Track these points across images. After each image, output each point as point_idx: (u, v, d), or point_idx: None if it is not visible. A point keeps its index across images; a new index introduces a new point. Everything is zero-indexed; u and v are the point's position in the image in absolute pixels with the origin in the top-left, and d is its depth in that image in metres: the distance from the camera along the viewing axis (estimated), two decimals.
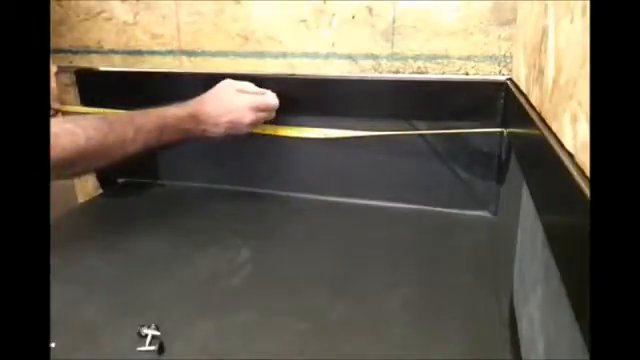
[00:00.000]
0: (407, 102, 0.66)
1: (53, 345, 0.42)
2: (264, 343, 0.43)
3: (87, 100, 0.79)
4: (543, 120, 0.33)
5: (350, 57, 0.66)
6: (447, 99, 0.64)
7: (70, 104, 0.79)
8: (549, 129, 0.30)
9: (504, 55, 0.60)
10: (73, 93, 0.79)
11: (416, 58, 0.63)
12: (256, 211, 0.72)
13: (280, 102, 0.67)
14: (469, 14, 0.60)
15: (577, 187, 0.21)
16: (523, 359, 0.38)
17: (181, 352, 0.42)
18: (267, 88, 0.67)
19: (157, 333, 0.43)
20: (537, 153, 0.32)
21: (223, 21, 0.69)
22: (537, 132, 0.32)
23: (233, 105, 0.64)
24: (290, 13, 0.66)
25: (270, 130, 0.71)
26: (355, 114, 0.68)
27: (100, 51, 0.75)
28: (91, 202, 0.78)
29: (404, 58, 0.64)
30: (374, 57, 0.65)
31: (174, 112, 0.63)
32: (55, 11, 0.74)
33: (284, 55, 0.68)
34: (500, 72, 0.61)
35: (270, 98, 0.66)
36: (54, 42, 0.76)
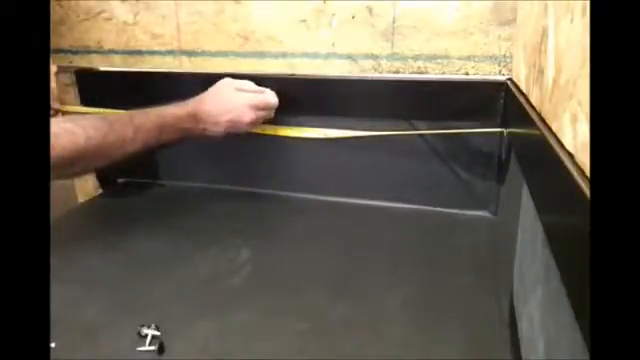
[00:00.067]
0: (407, 102, 0.66)
1: (53, 345, 0.42)
2: (264, 343, 0.43)
3: (87, 100, 0.79)
4: (543, 120, 0.33)
5: (350, 57, 0.66)
6: (447, 99, 0.64)
7: (70, 104, 0.79)
8: (549, 129, 0.30)
9: (504, 55, 0.60)
10: (73, 93, 0.79)
11: (416, 58, 0.63)
12: (256, 211, 0.72)
13: (280, 102, 0.67)
14: (469, 14, 0.60)
15: (577, 187, 0.21)
16: (523, 359, 0.38)
17: (181, 352, 0.42)
18: (267, 88, 0.67)
19: (157, 333, 0.43)
20: (537, 153, 0.32)
21: (223, 21, 0.69)
22: (537, 132, 0.32)
23: (233, 104, 0.64)
24: (290, 13, 0.66)
25: (270, 130, 0.71)
26: (355, 114, 0.68)
27: (100, 51, 0.75)
28: (91, 202, 0.78)
29: (404, 58, 0.64)
30: (374, 57, 0.65)
31: (173, 111, 0.63)
32: (55, 11, 0.74)
33: (284, 55, 0.68)
34: (500, 72, 0.61)
35: (269, 97, 0.66)
36: (54, 42, 0.76)
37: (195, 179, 0.81)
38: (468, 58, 0.61)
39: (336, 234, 0.64)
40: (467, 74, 0.62)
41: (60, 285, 0.46)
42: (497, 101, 0.62)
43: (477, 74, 0.62)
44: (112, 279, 0.54)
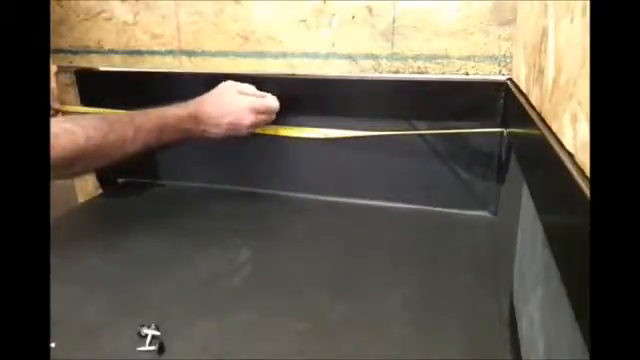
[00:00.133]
0: (407, 102, 0.66)
1: (53, 345, 0.42)
2: (264, 343, 0.43)
3: (87, 100, 0.79)
4: (543, 120, 0.33)
5: (350, 57, 0.66)
6: (447, 99, 0.64)
7: (70, 104, 0.79)
8: (549, 129, 0.30)
9: (504, 55, 0.60)
10: (73, 93, 0.79)
11: (416, 58, 0.63)
12: (256, 211, 0.72)
13: (280, 102, 0.67)
14: (469, 14, 0.60)
15: (577, 187, 0.21)
16: (523, 359, 0.38)
17: (181, 352, 0.42)
18: (267, 88, 0.67)
19: (157, 333, 0.43)
20: (537, 153, 0.32)
21: (223, 21, 0.69)
22: (537, 132, 0.32)
23: (234, 106, 0.64)
24: (290, 13, 0.66)
25: (270, 130, 0.71)
26: (355, 114, 0.68)
27: (100, 51, 0.75)
28: (91, 202, 0.78)
29: (404, 58, 0.64)
30: (374, 57, 0.65)
31: (174, 112, 0.63)
32: (55, 11, 0.74)
33: (284, 55, 0.68)
34: (500, 72, 0.61)
35: (271, 101, 0.66)
36: (54, 42, 0.76)
37: (195, 179, 0.81)
38: (468, 58, 0.61)
39: (336, 234, 0.64)
40: (467, 74, 0.62)
41: (60, 285, 0.46)
42: (497, 101, 0.62)
43: (477, 74, 0.62)
44: (112, 279, 0.54)
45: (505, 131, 0.61)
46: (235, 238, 0.63)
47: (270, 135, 0.71)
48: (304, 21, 0.66)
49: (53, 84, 0.79)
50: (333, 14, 0.64)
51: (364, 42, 0.64)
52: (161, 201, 0.77)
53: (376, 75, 0.66)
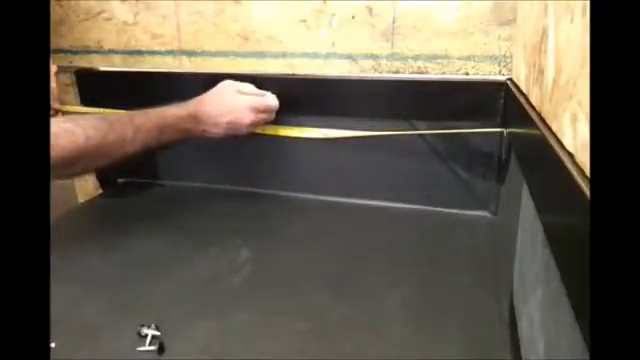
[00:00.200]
0: (407, 102, 0.66)
1: (53, 345, 0.42)
2: (264, 343, 0.43)
3: (87, 100, 0.79)
4: (543, 120, 0.33)
5: (350, 57, 0.66)
6: (447, 99, 0.64)
7: (70, 104, 0.79)
8: (549, 129, 0.30)
9: (504, 55, 0.60)
10: (73, 93, 0.79)
11: (416, 58, 0.63)
12: (256, 211, 0.72)
13: (280, 102, 0.67)
14: (469, 14, 0.60)
15: (577, 187, 0.21)
16: (523, 359, 0.38)
17: (181, 352, 0.42)
18: (267, 88, 0.67)
19: (157, 333, 0.43)
20: (537, 153, 0.32)
21: (223, 21, 0.69)
22: (537, 132, 0.32)
23: (233, 105, 0.64)
24: (290, 13, 0.66)
25: (270, 130, 0.71)
26: (355, 114, 0.68)
27: (100, 51, 0.75)
28: (91, 202, 0.78)
29: (404, 58, 0.64)
30: (374, 57, 0.65)
31: (174, 112, 0.63)
32: (55, 11, 0.74)
33: (284, 55, 0.68)
34: (500, 72, 0.61)
35: (270, 100, 0.66)
36: (54, 42, 0.76)
37: (195, 179, 0.81)
38: (468, 58, 0.61)
39: (336, 234, 0.64)
40: (467, 74, 0.62)
41: (60, 285, 0.46)
42: (497, 101, 0.62)
43: (477, 74, 0.62)
44: (112, 279, 0.54)
45: (505, 131, 0.61)
46: (235, 238, 0.63)
47: (270, 135, 0.71)
48: (304, 21, 0.66)
49: (53, 84, 0.79)
50: (333, 14, 0.64)
51: (364, 42, 0.64)
52: (161, 201, 0.77)
53: (376, 75, 0.66)
